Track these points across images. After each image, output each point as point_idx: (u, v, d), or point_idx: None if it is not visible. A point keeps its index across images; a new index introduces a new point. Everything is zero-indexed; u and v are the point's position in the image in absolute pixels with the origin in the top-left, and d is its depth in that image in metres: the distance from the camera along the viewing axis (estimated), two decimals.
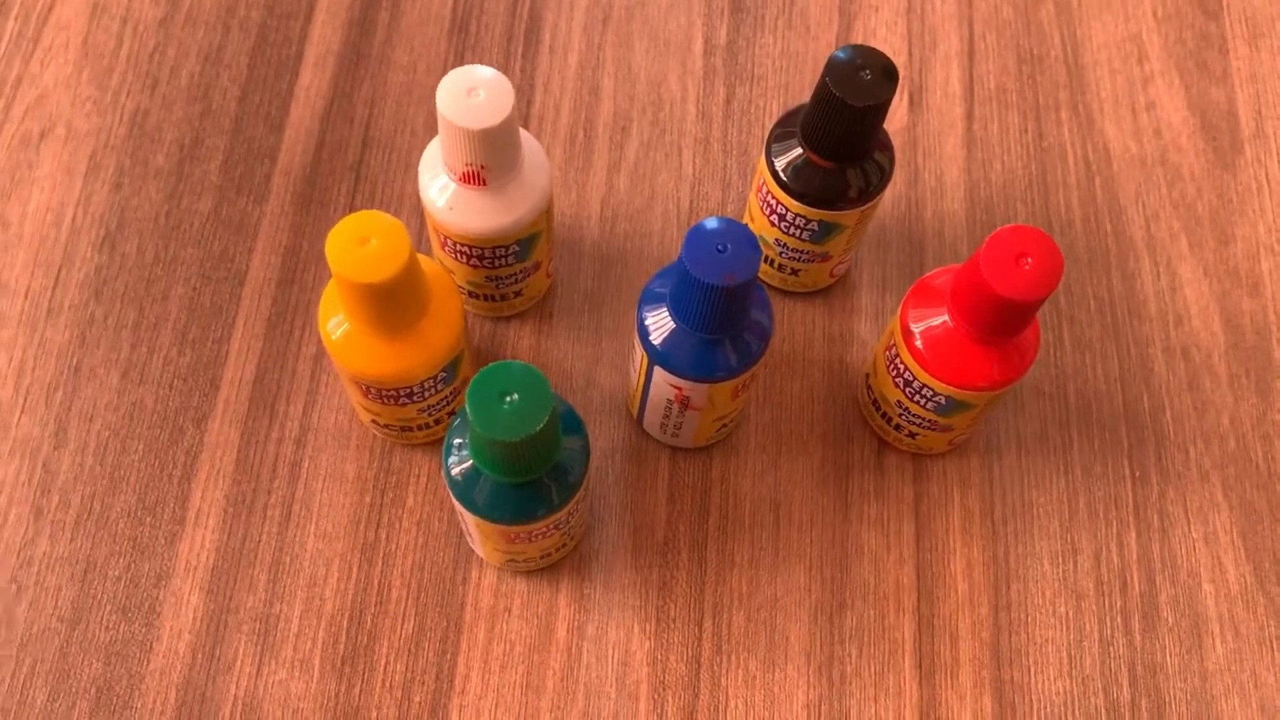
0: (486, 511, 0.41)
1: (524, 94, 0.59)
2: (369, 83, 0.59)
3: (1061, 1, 0.63)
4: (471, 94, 0.41)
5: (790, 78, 0.60)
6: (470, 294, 0.51)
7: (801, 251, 0.51)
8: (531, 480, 0.41)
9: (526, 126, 0.58)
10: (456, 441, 0.42)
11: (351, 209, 0.55)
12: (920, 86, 0.60)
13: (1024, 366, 0.44)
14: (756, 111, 0.59)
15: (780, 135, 0.48)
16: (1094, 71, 0.61)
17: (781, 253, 0.51)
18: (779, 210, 0.49)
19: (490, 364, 0.37)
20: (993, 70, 0.61)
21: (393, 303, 0.41)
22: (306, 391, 0.52)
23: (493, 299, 0.51)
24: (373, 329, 0.42)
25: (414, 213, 0.55)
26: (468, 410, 0.37)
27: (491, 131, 0.42)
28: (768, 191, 0.49)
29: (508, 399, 0.37)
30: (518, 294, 0.51)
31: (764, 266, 0.53)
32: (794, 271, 0.52)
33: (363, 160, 0.57)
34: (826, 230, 0.49)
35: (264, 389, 0.52)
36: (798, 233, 0.49)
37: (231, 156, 0.57)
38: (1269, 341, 0.55)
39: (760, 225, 0.51)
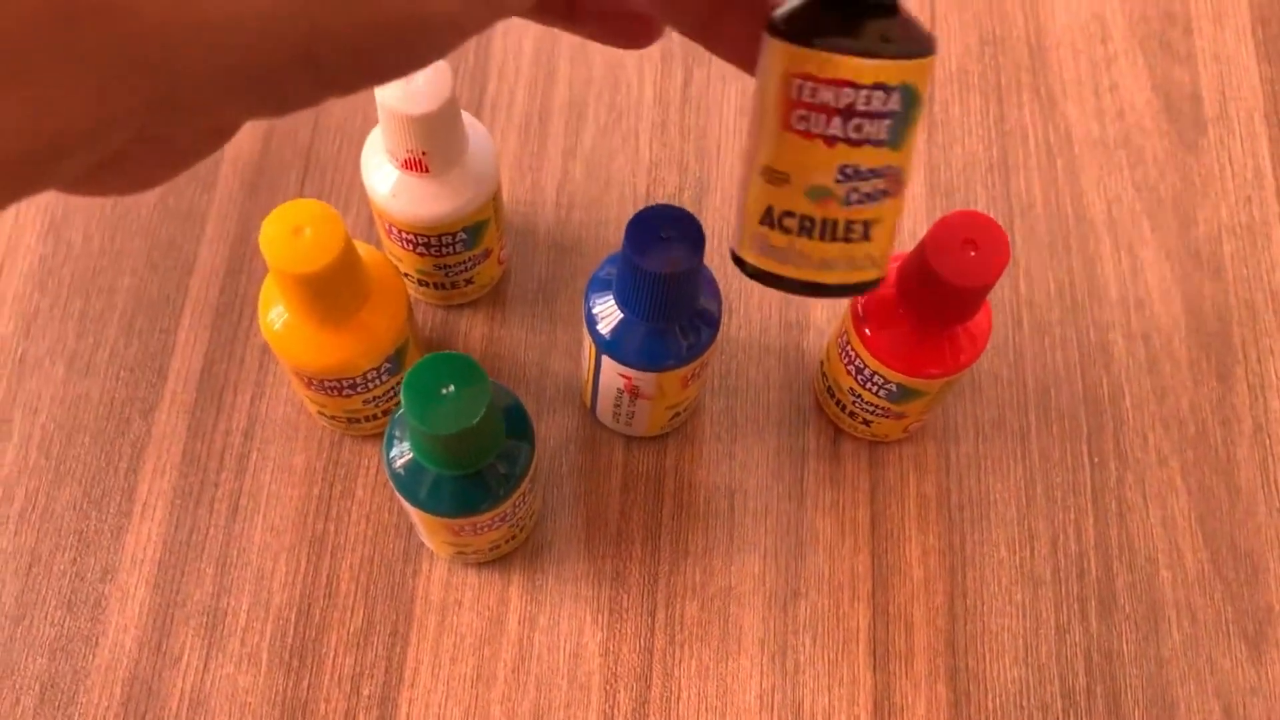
0: (429, 504, 0.41)
1: (478, 80, 0.58)
2: None
3: None
4: (409, 79, 0.41)
5: None
6: (420, 282, 0.50)
7: None
8: (474, 472, 0.40)
9: (480, 112, 0.57)
10: (397, 434, 0.41)
11: (302, 196, 0.55)
12: None
13: (975, 353, 0.44)
14: (715, 95, 0.58)
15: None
16: (1056, 53, 0.60)
17: None
18: None
19: (427, 355, 0.37)
20: (954, 51, 0.60)
21: (330, 292, 0.40)
22: (254, 383, 0.51)
23: (443, 287, 0.51)
24: (312, 319, 0.42)
25: (365, 199, 0.55)
26: (403, 403, 0.36)
27: (430, 117, 0.41)
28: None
29: (445, 390, 0.36)
30: (468, 282, 0.50)
31: None
32: None
33: (312, 147, 0.56)
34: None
35: (211, 380, 0.51)
36: None
37: None
38: (1229, 325, 0.54)
39: None
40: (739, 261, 0.29)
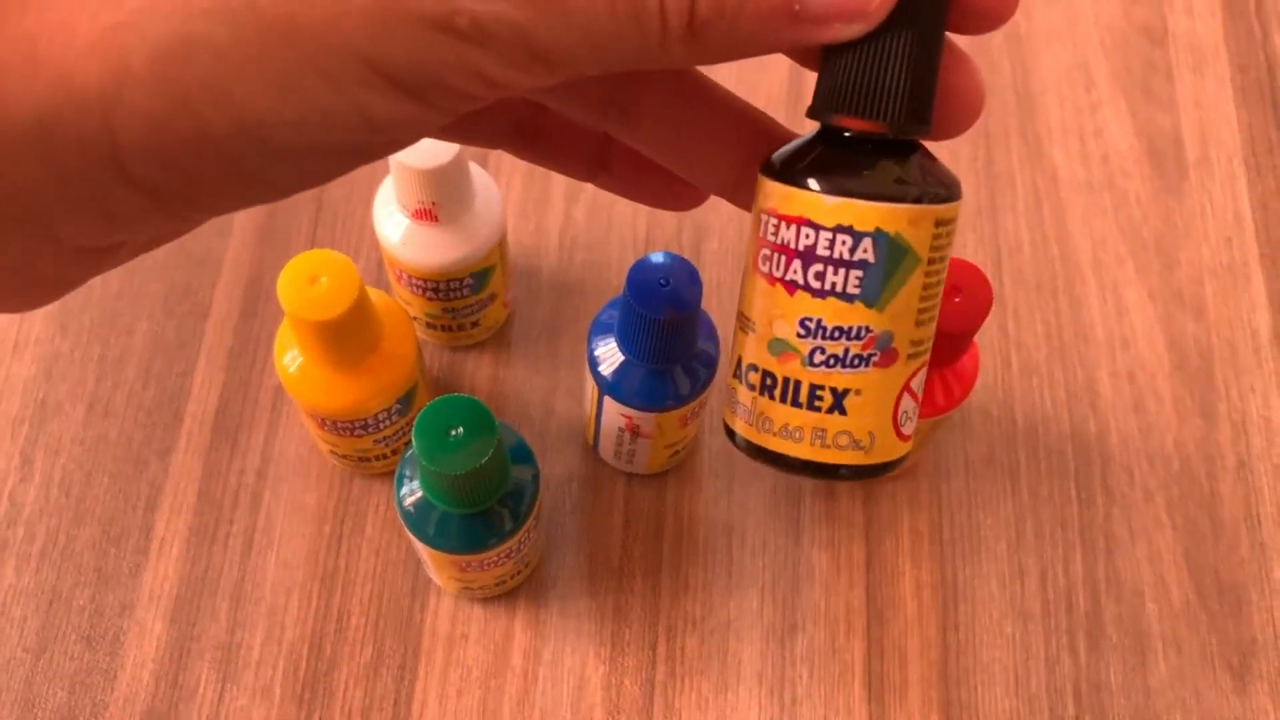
0: (438, 541, 0.42)
1: None
2: None
3: (1011, 31, 0.64)
4: None
5: None
6: (428, 325, 0.52)
7: None
8: (481, 510, 0.42)
9: (485, 159, 0.59)
10: (407, 473, 0.43)
11: (313, 242, 0.56)
12: None
13: (963, 394, 0.45)
14: None
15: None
16: (1043, 99, 0.62)
17: None
18: None
19: (437, 398, 0.39)
20: None
21: (344, 338, 0.42)
22: (267, 423, 0.53)
23: (450, 330, 0.52)
24: (326, 363, 0.43)
25: (375, 246, 0.56)
26: (414, 444, 0.38)
27: (440, 171, 0.43)
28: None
29: (454, 432, 0.38)
30: (475, 324, 0.52)
31: None
32: None
33: (324, 193, 0.58)
34: None
35: (226, 421, 0.53)
36: None
37: None
38: (1212, 364, 0.56)
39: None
40: (725, 424, 0.27)
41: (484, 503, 0.41)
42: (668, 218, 0.58)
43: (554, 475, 0.52)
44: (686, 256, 0.57)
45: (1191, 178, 0.61)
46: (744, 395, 0.25)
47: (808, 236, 0.23)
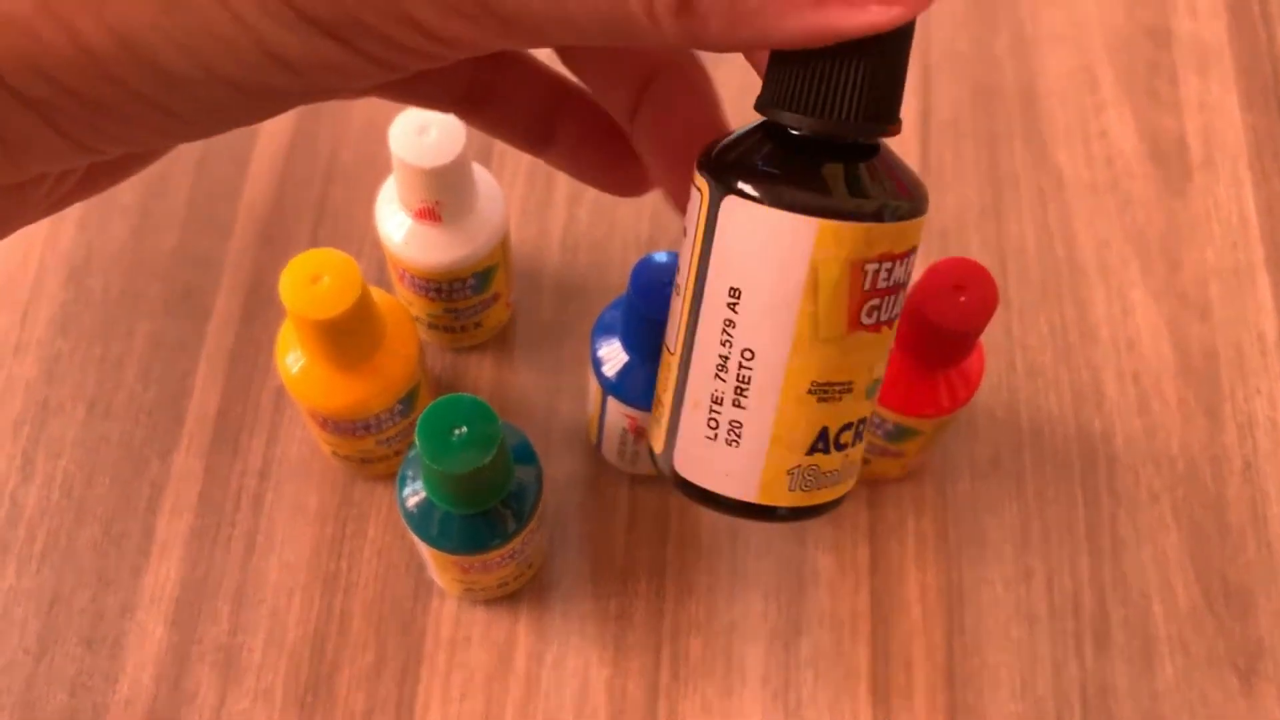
0: (440, 542, 0.42)
1: None
2: (331, 119, 0.60)
3: (1016, 34, 0.64)
4: (423, 133, 0.42)
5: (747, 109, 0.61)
6: (430, 325, 0.52)
7: None
8: (484, 511, 0.42)
9: (488, 159, 0.59)
10: (410, 473, 0.42)
11: (315, 242, 0.56)
12: None
13: (968, 394, 0.45)
14: None
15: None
16: (1047, 101, 0.62)
17: None
18: None
19: (440, 398, 0.38)
20: (947, 101, 0.62)
21: (346, 338, 0.42)
22: (269, 425, 0.52)
23: (452, 330, 0.52)
24: (328, 363, 0.43)
25: (376, 246, 0.56)
26: (417, 443, 0.38)
27: (443, 170, 0.43)
28: None
29: (457, 432, 0.38)
30: (477, 325, 0.52)
31: None
32: None
33: (326, 195, 0.58)
34: None
35: (227, 423, 0.52)
36: None
37: (196, 192, 0.57)
38: (1217, 366, 0.56)
39: None
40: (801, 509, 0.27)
41: (487, 503, 0.41)
42: (671, 218, 0.58)
43: (557, 477, 0.52)
44: None
45: (1196, 180, 0.60)
46: (831, 462, 0.24)
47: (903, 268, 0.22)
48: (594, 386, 0.47)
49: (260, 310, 0.55)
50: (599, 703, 0.48)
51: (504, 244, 0.48)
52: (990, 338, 0.56)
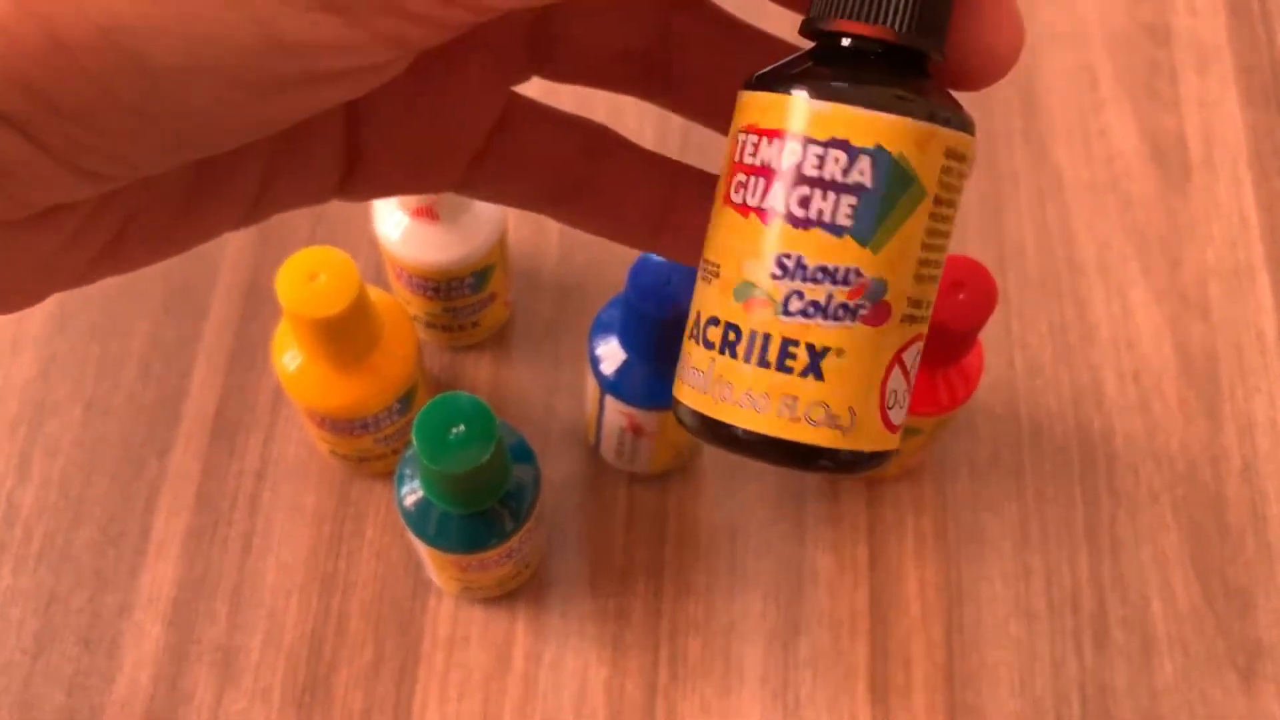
0: (438, 541, 0.42)
1: None
2: None
3: None
4: None
5: None
6: (428, 324, 0.52)
7: None
8: (482, 510, 0.41)
9: None
10: (408, 472, 0.42)
11: (313, 241, 0.56)
12: None
13: (967, 392, 0.45)
14: (714, 138, 0.60)
15: None
16: (1046, 99, 0.62)
17: None
18: None
19: (437, 396, 0.38)
20: None
21: (343, 336, 0.42)
22: (266, 424, 0.52)
23: (450, 329, 0.52)
24: (325, 362, 0.43)
25: (374, 245, 0.56)
26: (415, 442, 0.38)
27: None
28: None
29: (454, 431, 0.38)
30: (475, 324, 0.52)
31: None
32: None
33: None
34: None
35: (225, 422, 0.52)
36: None
37: None
38: (1217, 365, 0.56)
39: None
40: (673, 398, 0.22)
41: (484, 502, 0.41)
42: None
43: (555, 476, 0.52)
44: None
45: (1196, 179, 0.60)
46: (698, 358, 0.20)
47: (793, 152, 0.19)
48: (592, 385, 0.47)
49: (258, 309, 0.55)
50: (597, 703, 0.48)
51: (501, 243, 0.48)
52: (989, 336, 0.55)
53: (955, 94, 0.21)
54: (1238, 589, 0.51)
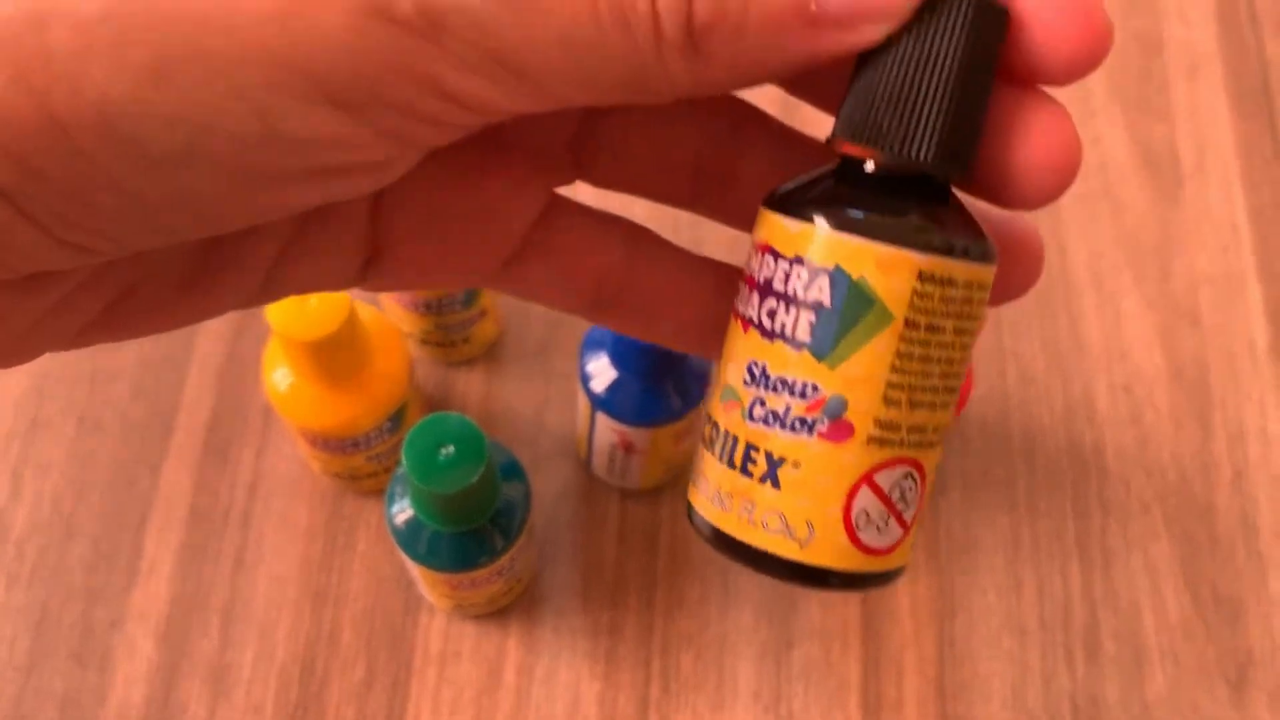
0: (429, 560, 0.42)
1: None
2: None
3: None
4: None
5: None
6: (420, 341, 0.52)
7: None
8: (472, 529, 0.41)
9: None
10: (399, 491, 0.42)
11: None
12: None
13: (960, 404, 0.45)
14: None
15: None
16: None
17: None
18: None
19: (427, 416, 0.38)
20: None
21: (334, 357, 0.42)
22: (258, 440, 0.52)
23: (442, 345, 0.52)
24: (316, 381, 0.43)
25: None
26: (404, 462, 0.38)
27: None
28: None
29: (444, 451, 0.38)
30: (466, 340, 0.52)
31: None
32: None
33: None
34: None
35: (217, 437, 0.52)
36: None
37: None
38: (1208, 374, 0.56)
39: None
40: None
41: (474, 521, 0.41)
42: (661, 229, 0.58)
43: (547, 491, 0.52)
44: None
45: (1187, 187, 0.60)
46: (700, 450, 0.22)
47: (768, 266, 0.20)
48: (583, 402, 0.47)
49: (250, 324, 0.55)
50: (589, 716, 0.48)
51: None
52: (981, 347, 0.56)
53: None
54: (1228, 598, 0.51)
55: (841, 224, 0.19)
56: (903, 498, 0.21)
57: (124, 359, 0.54)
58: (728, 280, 0.25)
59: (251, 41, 0.16)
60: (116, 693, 0.48)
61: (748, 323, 0.20)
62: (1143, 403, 0.55)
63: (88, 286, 0.20)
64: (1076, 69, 0.19)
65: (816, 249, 0.19)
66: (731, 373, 0.20)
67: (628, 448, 0.47)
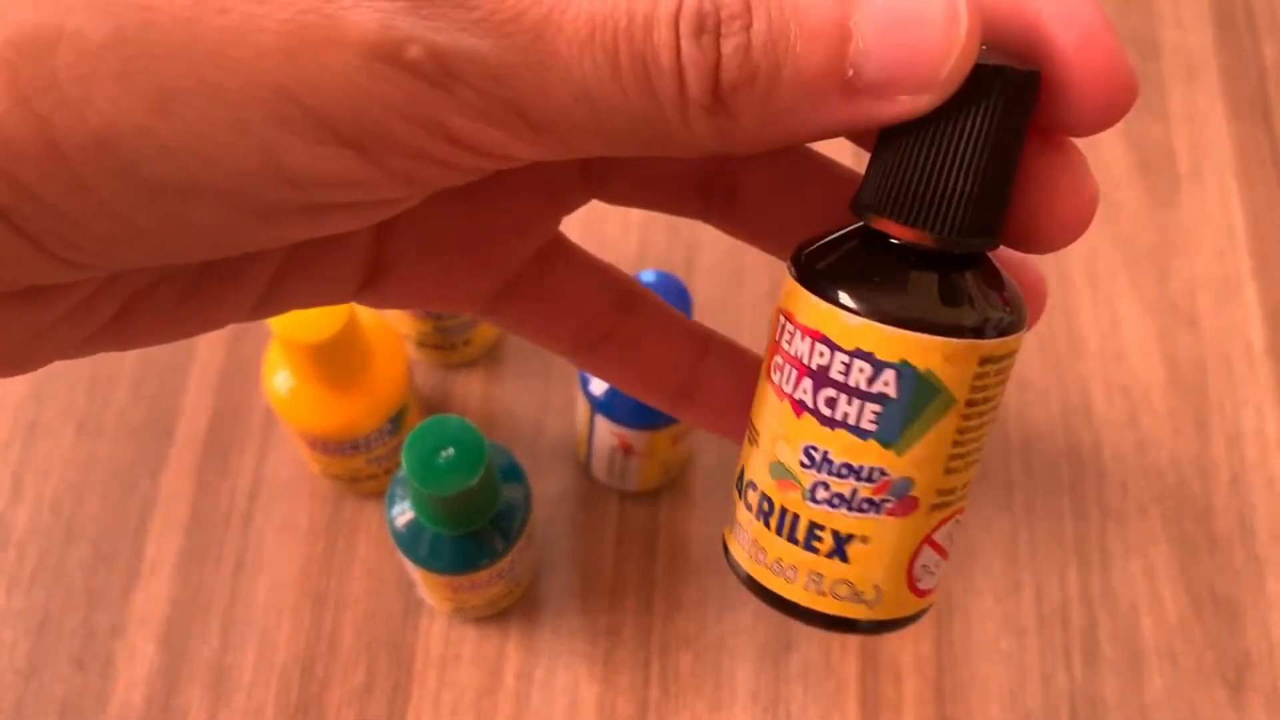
0: (429, 562, 0.42)
1: None
2: None
3: None
4: None
5: None
6: (419, 344, 0.52)
7: None
8: (473, 531, 0.42)
9: None
10: (399, 493, 0.42)
11: None
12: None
13: None
14: None
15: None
16: None
17: None
18: None
19: (427, 419, 0.38)
20: None
21: (334, 360, 0.42)
22: (259, 443, 0.52)
23: (442, 348, 0.52)
24: (316, 384, 0.43)
25: None
26: (404, 465, 0.38)
27: None
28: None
29: (444, 454, 0.38)
30: (466, 343, 0.52)
31: None
32: None
33: None
34: None
35: (217, 441, 0.52)
36: None
37: None
38: (1205, 377, 0.56)
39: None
40: (724, 543, 0.23)
41: (475, 523, 0.41)
42: (660, 234, 0.58)
43: (546, 494, 0.52)
44: (679, 273, 0.57)
45: (1184, 190, 0.60)
46: (743, 515, 0.22)
47: (822, 355, 0.19)
48: (582, 404, 0.47)
49: (249, 328, 0.55)
50: (589, 718, 0.48)
51: None
52: None
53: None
54: (1226, 600, 0.51)
55: (906, 321, 0.19)
56: (950, 540, 0.21)
57: (124, 363, 0.54)
58: (715, 350, 0.25)
59: (259, 76, 0.16)
60: (117, 697, 0.48)
61: (800, 406, 0.20)
62: (1140, 405, 0.55)
63: (90, 300, 0.20)
64: (1104, 123, 0.19)
65: (881, 345, 0.19)
66: (784, 452, 0.20)
67: (627, 450, 0.47)
